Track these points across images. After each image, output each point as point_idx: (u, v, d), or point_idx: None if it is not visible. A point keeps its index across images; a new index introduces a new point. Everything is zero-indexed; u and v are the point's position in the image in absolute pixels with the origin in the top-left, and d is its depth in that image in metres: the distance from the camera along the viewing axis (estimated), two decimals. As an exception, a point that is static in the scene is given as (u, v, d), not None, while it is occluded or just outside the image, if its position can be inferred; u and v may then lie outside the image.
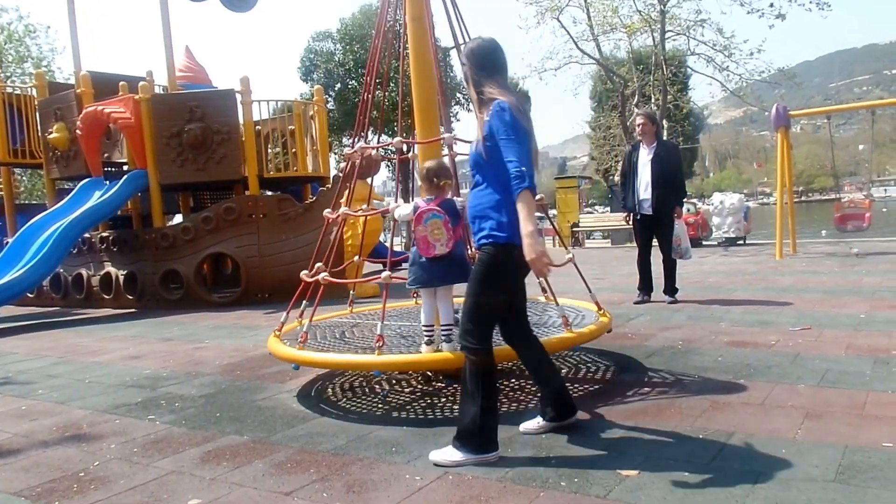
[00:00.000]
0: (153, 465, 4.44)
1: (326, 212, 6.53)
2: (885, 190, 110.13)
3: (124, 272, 14.18)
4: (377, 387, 6.09)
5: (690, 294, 10.42)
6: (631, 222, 10.29)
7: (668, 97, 31.91)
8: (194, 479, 4.16)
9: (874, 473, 3.60)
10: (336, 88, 40.58)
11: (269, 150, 15.32)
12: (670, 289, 10.00)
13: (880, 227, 22.48)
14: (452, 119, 30.35)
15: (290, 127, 15.21)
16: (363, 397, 5.83)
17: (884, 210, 34.65)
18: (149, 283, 14.00)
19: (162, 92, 16.28)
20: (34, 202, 26.92)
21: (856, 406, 4.72)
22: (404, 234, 34.30)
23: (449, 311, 5.40)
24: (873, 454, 3.85)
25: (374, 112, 6.92)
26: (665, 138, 11.86)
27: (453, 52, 7.03)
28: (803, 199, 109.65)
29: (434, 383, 6.00)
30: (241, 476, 4.14)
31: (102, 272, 14.51)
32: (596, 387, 5.69)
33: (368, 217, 7.46)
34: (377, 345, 5.28)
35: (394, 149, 6.41)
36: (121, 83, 14.83)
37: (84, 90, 14.81)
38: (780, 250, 16.45)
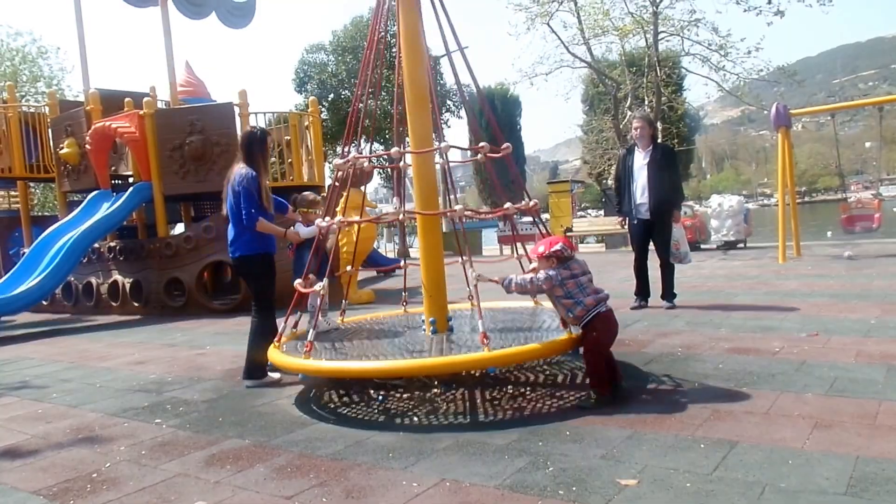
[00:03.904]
0: (160, 468, 4.56)
1: (318, 221, 6.69)
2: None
3: (130, 280, 14.50)
4: (373, 392, 6.16)
5: (689, 299, 10.29)
6: (627, 227, 10.25)
7: (662, 99, 31.84)
8: (199, 481, 4.27)
9: (889, 487, 3.49)
10: (329, 99, 40.97)
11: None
12: (668, 294, 9.93)
13: (891, 227, 22.17)
14: (443, 126, 30.38)
15: (286, 137, 15.38)
16: (360, 403, 5.90)
17: (894, 210, 34.34)
18: (153, 290, 14.25)
19: (164, 107, 16.66)
20: (47, 214, 27.59)
21: (867, 416, 4.58)
22: (397, 241, 34.47)
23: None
24: (887, 466, 3.74)
25: (366, 121, 7.05)
26: (659, 141, 11.81)
27: (443, 60, 7.14)
28: (807, 199, 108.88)
29: (430, 389, 6.07)
30: (244, 479, 4.23)
31: (110, 280, 14.83)
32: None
33: (362, 225, 7.59)
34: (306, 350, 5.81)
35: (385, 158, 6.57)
36: (126, 99, 15.14)
37: (93, 107, 15.24)
38: (784, 253, 16.15)
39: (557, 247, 5.53)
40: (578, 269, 5.53)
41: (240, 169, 6.88)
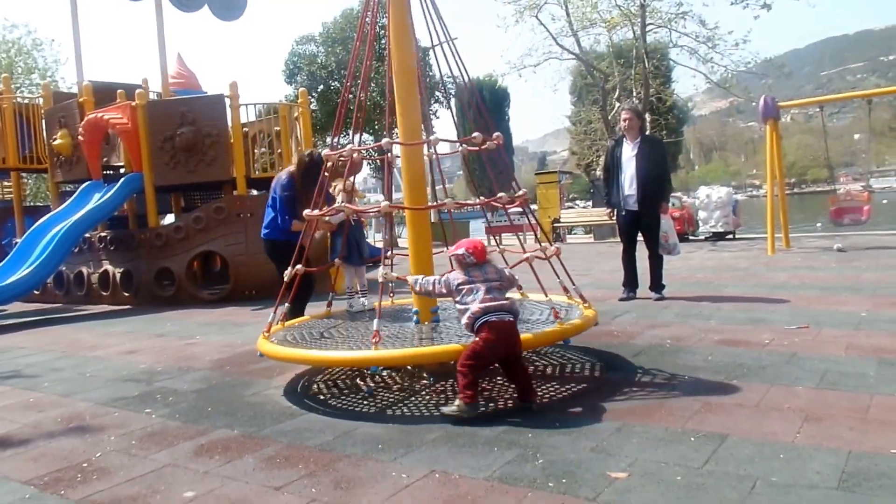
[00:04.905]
0: (150, 458, 4.56)
1: (307, 212, 6.69)
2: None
3: (121, 270, 14.55)
4: (362, 383, 6.17)
5: (678, 291, 10.30)
6: (615, 218, 10.27)
7: (651, 90, 31.92)
8: (188, 472, 4.26)
9: (882, 481, 3.45)
10: (319, 90, 41.18)
11: (256, 151, 15.50)
12: (657, 285, 9.95)
13: (881, 220, 22.14)
14: (432, 116, 30.15)
15: (275, 128, 15.41)
16: (348, 393, 5.90)
17: (884, 202, 34.20)
18: (144, 280, 14.30)
19: (156, 98, 16.79)
20: (39, 204, 27.82)
21: (859, 409, 4.55)
22: (385, 232, 34.64)
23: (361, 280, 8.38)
24: (880, 461, 3.70)
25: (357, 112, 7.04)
26: (648, 132, 11.86)
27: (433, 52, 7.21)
28: (796, 191, 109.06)
29: (419, 380, 6.06)
30: (233, 470, 4.23)
31: (101, 270, 14.89)
32: (582, 385, 5.65)
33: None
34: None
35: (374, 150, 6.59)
36: (119, 91, 15.26)
37: (86, 98, 15.37)
38: (773, 245, 16.21)
39: (458, 251, 5.29)
40: (480, 277, 5.17)
41: (283, 175, 8.32)
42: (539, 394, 5.40)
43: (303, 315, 7.67)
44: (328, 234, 8.72)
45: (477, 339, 4.96)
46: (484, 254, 5.29)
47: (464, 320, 5.10)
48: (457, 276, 5.23)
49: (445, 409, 4.94)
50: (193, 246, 14.07)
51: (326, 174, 6.81)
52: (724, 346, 6.65)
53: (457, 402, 4.91)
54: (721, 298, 9.62)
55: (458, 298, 5.19)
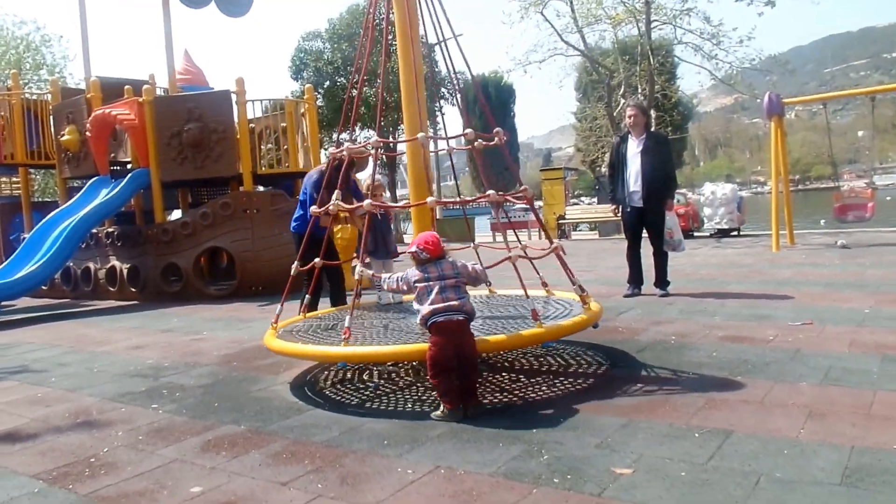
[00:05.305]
0: (157, 453, 4.58)
1: (313, 208, 6.74)
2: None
3: (128, 266, 14.61)
4: (367, 378, 6.19)
5: (682, 287, 10.32)
6: (620, 214, 10.25)
7: (656, 87, 31.95)
8: (195, 467, 4.28)
9: (885, 477, 3.44)
10: (325, 86, 41.45)
11: (263, 147, 15.52)
12: (661, 282, 9.97)
13: (884, 217, 22.09)
14: (437, 113, 30.21)
15: (282, 124, 15.46)
16: (354, 389, 5.91)
17: (888, 199, 34.05)
18: (150, 276, 14.36)
19: (163, 94, 16.84)
20: (47, 200, 28.02)
21: (862, 406, 4.55)
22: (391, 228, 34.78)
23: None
24: (883, 457, 3.70)
25: (363, 108, 7.09)
26: (653, 129, 11.89)
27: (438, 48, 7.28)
28: (800, 187, 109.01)
29: (424, 376, 6.07)
30: (240, 465, 4.24)
31: (108, 266, 14.93)
32: (588, 381, 5.66)
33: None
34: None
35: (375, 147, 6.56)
36: (126, 87, 15.30)
37: (93, 95, 15.40)
38: (777, 241, 16.25)
39: (412, 248, 5.20)
40: (435, 273, 5.07)
41: (314, 174, 8.70)
42: (544, 389, 5.45)
43: (345, 304, 8.13)
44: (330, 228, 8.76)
45: (430, 343, 4.92)
46: (438, 248, 5.17)
47: (418, 321, 5.12)
48: (413, 274, 5.16)
49: (434, 415, 4.92)
50: (200, 242, 14.13)
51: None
52: (729, 343, 6.65)
53: (441, 408, 4.92)
54: (725, 295, 9.62)
55: (415, 297, 5.15)
